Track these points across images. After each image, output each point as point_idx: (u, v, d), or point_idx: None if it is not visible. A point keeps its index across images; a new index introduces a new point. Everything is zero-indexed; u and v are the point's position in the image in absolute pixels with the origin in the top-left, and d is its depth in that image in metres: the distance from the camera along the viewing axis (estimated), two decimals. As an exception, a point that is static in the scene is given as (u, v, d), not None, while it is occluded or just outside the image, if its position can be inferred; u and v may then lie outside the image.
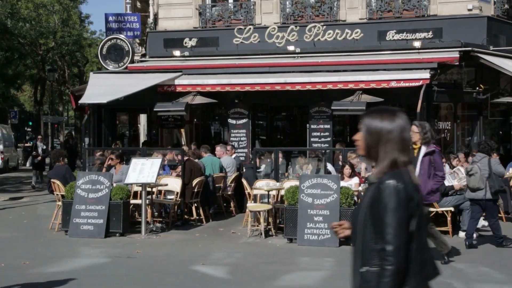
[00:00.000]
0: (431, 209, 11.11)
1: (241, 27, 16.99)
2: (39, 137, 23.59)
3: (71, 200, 11.25)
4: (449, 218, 11.00)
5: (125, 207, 11.26)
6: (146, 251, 9.75)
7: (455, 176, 11.49)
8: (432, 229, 8.37)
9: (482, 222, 11.56)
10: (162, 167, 12.88)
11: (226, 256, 9.54)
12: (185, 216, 12.63)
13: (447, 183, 11.31)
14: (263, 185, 11.45)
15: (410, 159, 3.09)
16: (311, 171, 12.41)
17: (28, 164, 25.76)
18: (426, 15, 16.16)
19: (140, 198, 11.27)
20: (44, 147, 22.83)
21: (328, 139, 15.45)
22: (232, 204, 14.04)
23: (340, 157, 13.20)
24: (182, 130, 18.20)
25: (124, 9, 22.03)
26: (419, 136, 8.15)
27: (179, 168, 12.82)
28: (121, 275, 8.07)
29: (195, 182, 12.51)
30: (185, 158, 12.68)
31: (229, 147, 14.88)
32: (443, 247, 8.50)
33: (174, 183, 12.38)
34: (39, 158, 21.23)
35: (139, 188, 11.48)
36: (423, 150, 8.20)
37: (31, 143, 24.70)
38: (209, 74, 15.91)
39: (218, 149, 14.60)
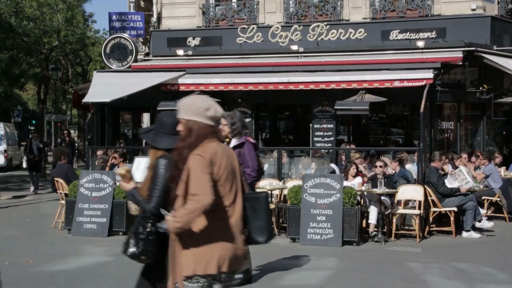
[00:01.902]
0: (434, 209, 11.13)
1: (244, 26, 16.99)
2: (35, 135, 21.01)
3: (74, 198, 11.27)
4: (452, 218, 11.00)
5: (128, 206, 11.25)
6: (149, 250, 9.75)
7: (456, 177, 11.48)
8: None
9: (486, 223, 11.56)
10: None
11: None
12: (188, 215, 12.61)
13: (448, 184, 11.31)
14: (266, 185, 11.45)
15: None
16: (314, 171, 12.41)
17: (24, 165, 22.43)
18: (429, 15, 16.14)
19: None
20: (41, 145, 19.94)
21: (331, 138, 15.46)
22: (235, 203, 14.02)
23: (343, 157, 13.20)
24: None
25: (128, 8, 22.11)
26: (228, 128, 7.36)
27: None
28: (125, 274, 8.07)
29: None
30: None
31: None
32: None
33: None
34: (36, 159, 18.97)
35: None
36: (233, 143, 7.41)
37: (27, 140, 21.09)
38: (213, 73, 15.92)
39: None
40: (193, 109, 3.98)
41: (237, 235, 4.02)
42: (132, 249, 4.26)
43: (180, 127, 4.00)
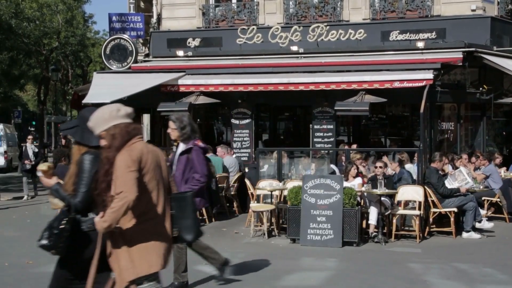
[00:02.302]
0: (434, 210, 11.13)
1: (244, 27, 17.00)
2: (29, 137, 19.21)
3: (74, 199, 11.24)
4: (452, 219, 11.00)
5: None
6: (149, 250, 9.75)
7: (455, 178, 11.47)
8: (199, 242, 7.21)
9: (486, 224, 11.56)
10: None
11: (229, 256, 9.48)
12: (188, 216, 12.62)
13: (448, 185, 11.31)
14: (266, 185, 11.46)
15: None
16: (314, 171, 12.40)
17: (19, 171, 20.86)
18: (429, 16, 16.15)
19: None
20: (36, 150, 18.46)
21: (332, 139, 15.46)
22: (235, 204, 14.05)
23: (343, 157, 13.20)
24: (185, 130, 18.20)
25: (128, 9, 22.10)
26: (178, 132, 7.12)
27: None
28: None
29: (198, 182, 12.51)
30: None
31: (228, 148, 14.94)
32: (213, 261, 7.49)
33: (177, 183, 12.39)
34: (33, 163, 17.30)
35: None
36: (180, 147, 7.17)
37: (22, 145, 19.24)
38: (213, 74, 15.92)
39: (219, 149, 14.62)
40: (106, 117, 4.13)
41: (167, 233, 4.19)
42: (43, 242, 4.45)
43: (103, 141, 4.12)
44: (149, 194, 4.08)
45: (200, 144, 7.12)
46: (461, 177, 11.37)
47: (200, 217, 12.52)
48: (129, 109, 4.23)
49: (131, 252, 4.05)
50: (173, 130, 7.10)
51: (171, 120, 7.17)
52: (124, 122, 4.15)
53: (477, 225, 11.26)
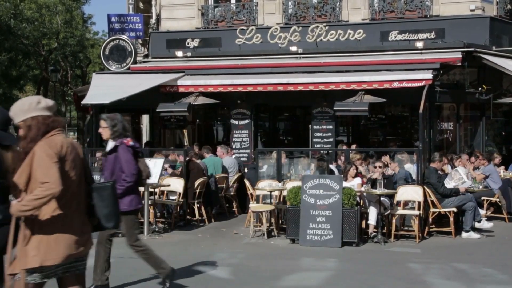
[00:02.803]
0: (434, 210, 11.13)
1: (243, 27, 17.00)
2: None
3: (73, 200, 11.24)
4: (451, 219, 11.00)
5: None
6: (148, 251, 9.75)
7: (452, 177, 11.48)
8: (147, 252, 7.10)
9: (486, 223, 11.56)
10: (165, 169, 12.89)
11: (228, 256, 9.54)
12: (188, 217, 12.64)
13: (445, 185, 11.31)
14: (265, 186, 11.46)
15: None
16: (313, 172, 12.41)
17: None
18: (428, 16, 16.15)
19: (143, 198, 11.28)
20: None
21: (331, 139, 15.46)
22: (234, 205, 14.06)
23: (342, 157, 13.20)
24: (185, 131, 18.22)
25: (127, 9, 22.07)
26: (109, 131, 6.90)
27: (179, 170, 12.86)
28: (124, 276, 8.07)
29: (197, 182, 12.53)
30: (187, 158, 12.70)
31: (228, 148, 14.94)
32: (160, 271, 7.18)
33: (176, 184, 12.40)
34: None
35: (142, 189, 11.48)
36: (109, 146, 6.94)
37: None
38: (212, 75, 15.91)
39: (219, 150, 14.63)
40: (25, 108, 4.27)
41: (81, 225, 4.38)
42: None
43: (20, 131, 4.29)
44: (67, 186, 4.22)
45: (130, 142, 6.89)
46: (457, 176, 11.37)
47: (200, 218, 12.53)
48: (50, 102, 4.37)
49: (40, 240, 4.20)
50: (104, 129, 6.93)
51: (102, 119, 7.00)
52: (43, 115, 4.27)
53: (477, 225, 11.27)
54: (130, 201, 6.87)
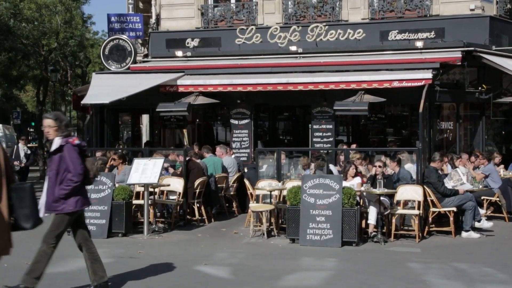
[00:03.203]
0: (434, 209, 11.13)
1: (243, 27, 16.99)
2: (23, 138, 19.22)
3: (73, 200, 11.24)
4: (451, 219, 11.00)
5: (128, 208, 11.27)
6: (148, 251, 9.76)
7: (451, 177, 11.47)
8: (48, 254, 6.79)
9: (485, 223, 11.56)
10: (165, 168, 12.89)
11: (228, 256, 9.54)
12: (188, 217, 12.64)
13: (445, 185, 11.30)
14: (265, 185, 11.46)
15: None
16: (313, 172, 12.41)
17: None
18: (428, 15, 16.15)
19: (143, 198, 11.28)
20: (29, 151, 18.34)
21: (331, 139, 15.46)
22: (234, 204, 14.06)
23: (342, 157, 13.20)
24: (185, 131, 18.22)
25: (127, 9, 22.06)
26: (57, 131, 6.65)
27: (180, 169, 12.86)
28: (124, 275, 8.07)
29: (197, 182, 12.53)
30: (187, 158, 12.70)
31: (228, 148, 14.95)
32: (95, 277, 6.97)
33: (176, 184, 12.40)
34: (22, 165, 17.29)
35: (142, 189, 11.50)
36: (54, 145, 6.65)
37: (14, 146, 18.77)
38: (211, 75, 15.91)
39: (219, 150, 14.63)
40: None
41: (4, 224, 4.51)
42: None
43: None
44: None
45: (76, 141, 6.70)
46: (456, 177, 11.39)
47: (200, 218, 12.53)
48: None
49: None
50: (51, 128, 6.63)
51: (49, 118, 6.72)
52: None
53: (477, 224, 11.26)
54: (76, 202, 6.68)
